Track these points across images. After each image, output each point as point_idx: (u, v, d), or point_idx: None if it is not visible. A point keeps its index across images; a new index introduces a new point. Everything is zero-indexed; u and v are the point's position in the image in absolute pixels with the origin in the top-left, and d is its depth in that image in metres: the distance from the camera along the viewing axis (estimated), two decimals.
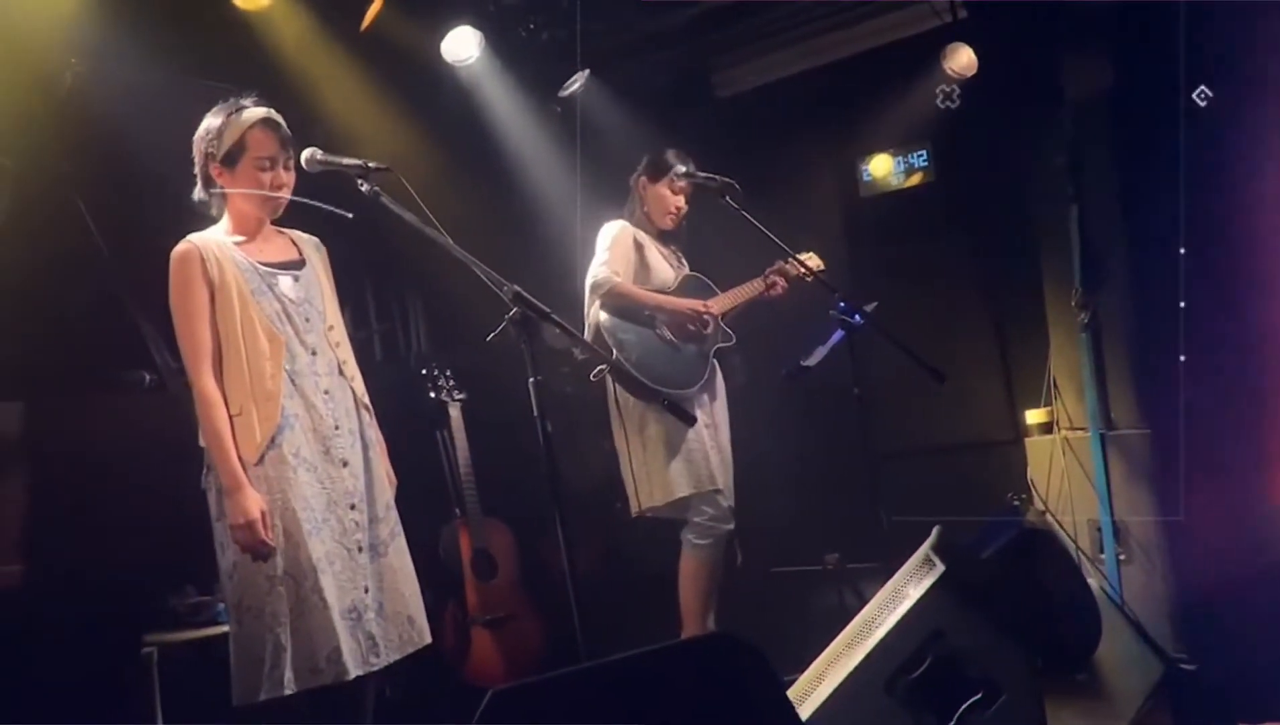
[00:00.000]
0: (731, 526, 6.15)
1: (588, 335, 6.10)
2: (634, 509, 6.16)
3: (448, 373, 6.83)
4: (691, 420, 5.03)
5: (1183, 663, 5.39)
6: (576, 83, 7.85)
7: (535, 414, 3.94)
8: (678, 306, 6.17)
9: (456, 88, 7.52)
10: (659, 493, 6.02)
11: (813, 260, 6.18)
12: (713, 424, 6.20)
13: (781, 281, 6.30)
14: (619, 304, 6.10)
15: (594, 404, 6.32)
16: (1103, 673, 5.08)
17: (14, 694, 4.69)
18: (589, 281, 6.12)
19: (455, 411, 6.75)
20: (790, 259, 6.15)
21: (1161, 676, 5.08)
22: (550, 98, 7.82)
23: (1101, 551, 6.08)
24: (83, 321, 5.17)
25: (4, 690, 4.68)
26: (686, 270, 6.43)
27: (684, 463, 6.00)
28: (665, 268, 6.32)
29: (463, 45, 7.30)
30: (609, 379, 6.09)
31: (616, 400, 6.06)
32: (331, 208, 4.31)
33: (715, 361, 6.29)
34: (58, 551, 4.72)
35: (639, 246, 6.25)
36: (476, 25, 7.27)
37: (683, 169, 6.16)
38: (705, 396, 6.20)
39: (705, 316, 6.17)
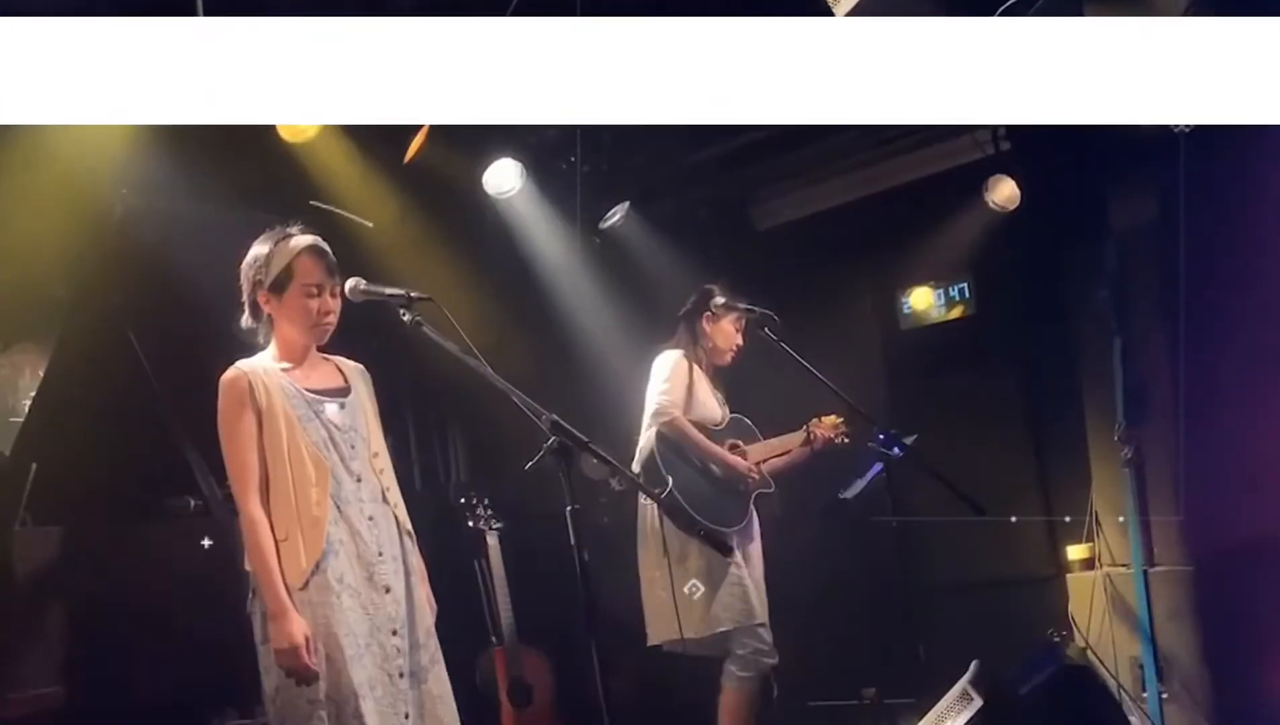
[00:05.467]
0: (775, 661, 6.10)
1: (639, 459, 6.15)
2: (654, 638, 6.12)
3: (486, 502, 6.84)
4: (729, 550, 5.01)
5: None
6: (617, 215, 7.92)
7: (572, 543, 3.92)
8: (731, 463, 6.18)
9: (497, 219, 7.59)
10: (701, 625, 5.96)
11: (830, 421, 6.29)
12: (749, 561, 6.16)
13: (821, 435, 6.32)
14: (675, 438, 6.12)
15: (631, 534, 6.30)
16: None
17: None
18: (651, 408, 6.16)
19: (493, 540, 6.76)
20: (816, 419, 6.31)
21: None
22: (591, 229, 7.89)
23: (1144, 689, 6.00)
24: (129, 449, 5.19)
25: None
26: (729, 411, 6.44)
27: (727, 596, 5.96)
28: (713, 405, 6.34)
29: (504, 177, 7.40)
30: (649, 506, 6.10)
31: (660, 528, 6.03)
32: None
33: (754, 507, 6.29)
34: (98, 674, 4.70)
35: (692, 380, 6.27)
36: (517, 157, 7.35)
37: (722, 301, 6.20)
38: (740, 537, 6.17)
39: (752, 476, 6.19)
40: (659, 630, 6.09)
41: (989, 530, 5.90)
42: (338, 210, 4.30)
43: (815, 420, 6.33)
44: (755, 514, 6.31)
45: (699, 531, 4.84)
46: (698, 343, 6.37)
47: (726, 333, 6.32)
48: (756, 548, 6.29)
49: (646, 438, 6.16)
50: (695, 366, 6.32)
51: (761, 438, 6.42)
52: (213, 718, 5.47)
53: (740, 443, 6.35)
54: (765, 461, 6.34)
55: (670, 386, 6.16)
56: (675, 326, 6.46)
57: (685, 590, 5.97)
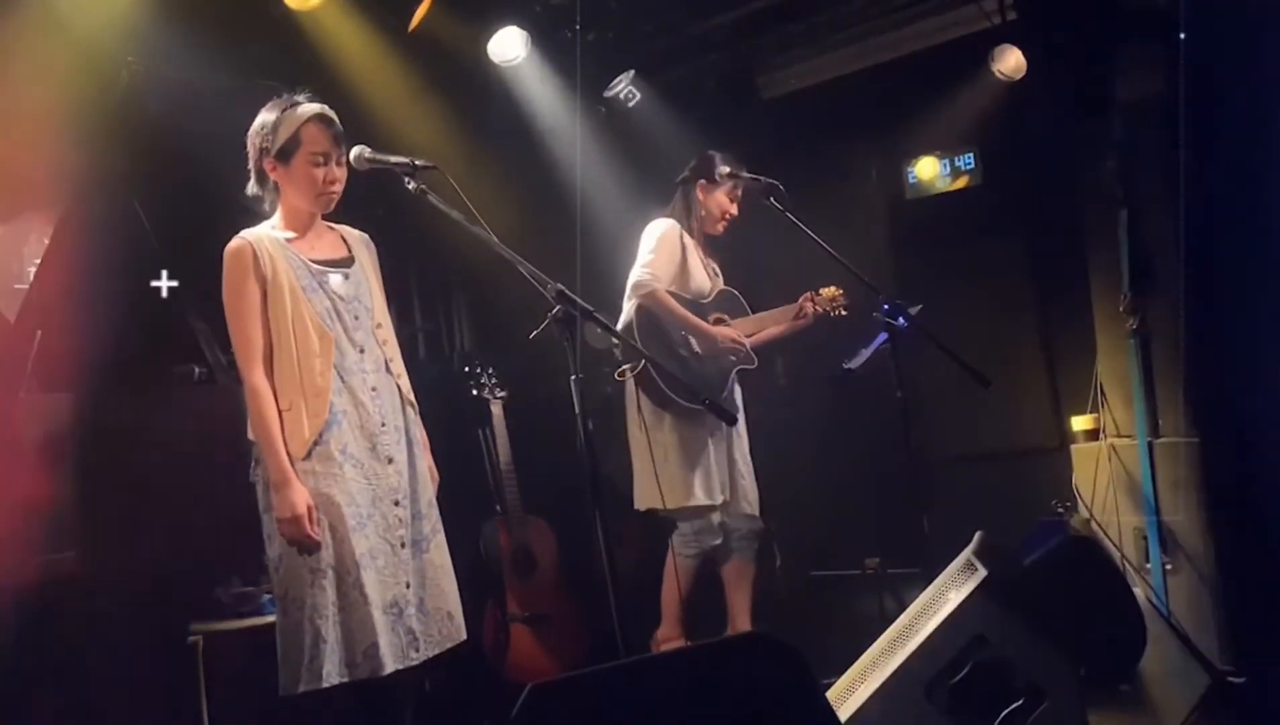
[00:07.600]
0: (718, 542, 6.14)
1: (619, 329, 6.08)
2: (638, 503, 6.14)
3: (490, 371, 6.81)
4: (732, 419, 5.01)
5: (1230, 675, 5.33)
6: (622, 83, 7.86)
7: (577, 412, 3.93)
8: (711, 334, 6.13)
9: (502, 87, 7.54)
10: (670, 498, 5.96)
11: (828, 293, 6.26)
12: (730, 436, 6.18)
13: (811, 310, 6.28)
14: (654, 311, 6.07)
15: None
16: (1147, 684, 5.02)
17: (63, 679, 4.73)
18: (631, 281, 6.10)
19: (497, 409, 6.74)
20: (813, 293, 6.25)
21: (1207, 689, 5.01)
22: (596, 98, 7.83)
23: (1147, 560, 6.03)
24: (134, 317, 5.19)
25: (53, 676, 4.71)
26: (721, 283, 6.41)
27: (699, 472, 6.01)
28: (704, 277, 6.29)
29: (509, 45, 7.33)
30: (629, 381, 6.10)
31: (637, 399, 6.05)
32: None
33: (735, 381, 6.26)
34: (108, 540, 4.72)
35: (683, 250, 6.22)
36: (523, 26, 7.29)
37: (726, 169, 6.15)
38: None
39: (740, 346, 6.16)
40: (642, 497, 6.12)
41: (993, 401, 5.88)
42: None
43: (813, 293, 6.30)
44: (738, 388, 6.29)
45: (702, 400, 4.83)
46: (691, 211, 6.31)
47: (720, 201, 6.25)
48: (740, 423, 6.25)
49: (626, 310, 6.13)
50: (686, 235, 6.27)
51: (750, 312, 6.39)
52: (217, 585, 5.54)
53: (726, 317, 6.30)
54: (753, 335, 6.32)
55: (654, 258, 6.11)
56: (672, 194, 6.41)
57: (662, 461, 6.01)
